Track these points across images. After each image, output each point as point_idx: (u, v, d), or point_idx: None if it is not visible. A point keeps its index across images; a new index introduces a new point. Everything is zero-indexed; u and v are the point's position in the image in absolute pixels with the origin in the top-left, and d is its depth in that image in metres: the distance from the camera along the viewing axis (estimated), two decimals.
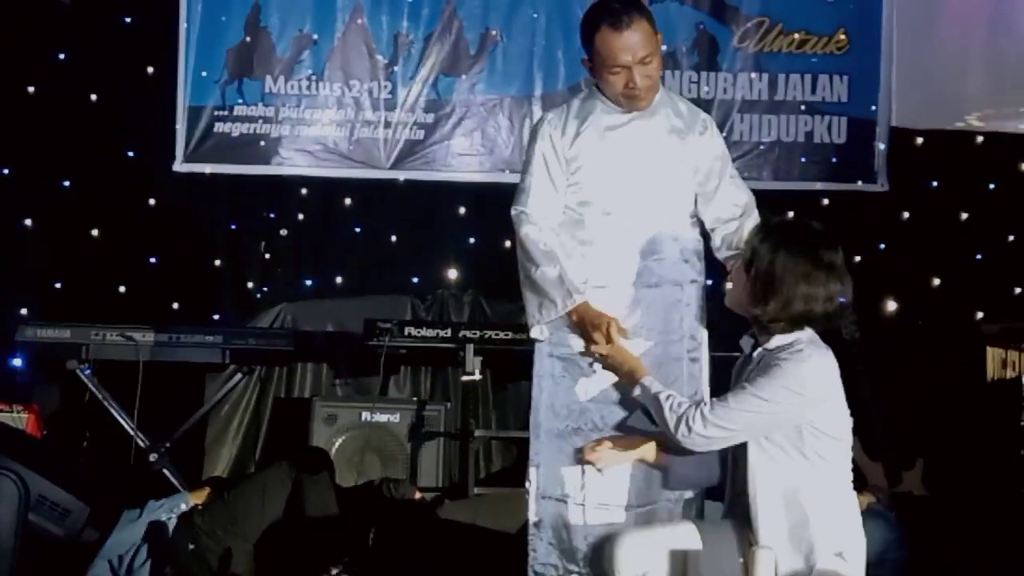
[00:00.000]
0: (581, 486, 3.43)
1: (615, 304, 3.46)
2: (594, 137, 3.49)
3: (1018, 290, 6.21)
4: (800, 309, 3.07)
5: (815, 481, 3.09)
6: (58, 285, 5.92)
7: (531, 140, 3.57)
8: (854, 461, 5.41)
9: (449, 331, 5.38)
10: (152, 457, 5.24)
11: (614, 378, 3.44)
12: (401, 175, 6.10)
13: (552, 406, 3.50)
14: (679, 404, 3.12)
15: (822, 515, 3.08)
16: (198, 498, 4.32)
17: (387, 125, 6.08)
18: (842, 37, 6.19)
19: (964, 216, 6.26)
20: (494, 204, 6.06)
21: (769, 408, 3.03)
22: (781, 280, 3.06)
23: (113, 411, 5.28)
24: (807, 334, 3.15)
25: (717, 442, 3.10)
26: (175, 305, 5.92)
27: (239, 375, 5.56)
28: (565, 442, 3.47)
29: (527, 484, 3.54)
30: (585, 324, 3.41)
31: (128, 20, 6.04)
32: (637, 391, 3.27)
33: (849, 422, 3.22)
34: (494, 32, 6.12)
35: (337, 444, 5.34)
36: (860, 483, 5.44)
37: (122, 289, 5.95)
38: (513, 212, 3.53)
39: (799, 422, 3.07)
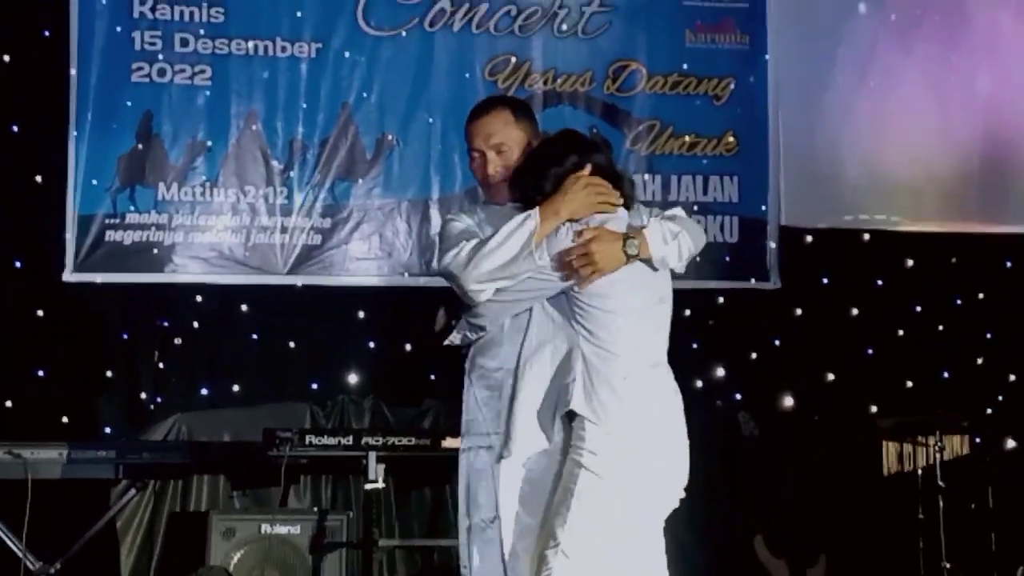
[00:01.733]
0: None
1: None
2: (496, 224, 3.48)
3: (910, 384, 6.36)
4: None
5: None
6: None
7: (441, 232, 3.51)
8: (760, 561, 5.48)
9: (351, 439, 5.29)
10: None
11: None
12: (299, 280, 6.04)
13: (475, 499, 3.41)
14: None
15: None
16: None
17: (284, 230, 6.03)
18: (731, 139, 6.35)
19: (855, 311, 6.42)
20: (393, 308, 6.11)
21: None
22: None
23: (0, 532, 5.07)
24: None
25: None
26: (64, 419, 5.74)
27: (132, 491, 5.40)
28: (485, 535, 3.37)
29: None
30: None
31: (15, 129, 5.93)
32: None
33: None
34: (390, 137, 6.15)
35: (236, 559, 5.21)
36: None
37: (8, 404, 5.76)
38: (446, 264, 3.35)
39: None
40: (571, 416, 3.20)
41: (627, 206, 3.40)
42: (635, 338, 3.28)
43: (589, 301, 3.24)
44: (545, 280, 3.26)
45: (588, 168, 3.35)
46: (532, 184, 3.34)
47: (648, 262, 3.31)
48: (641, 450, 3.19)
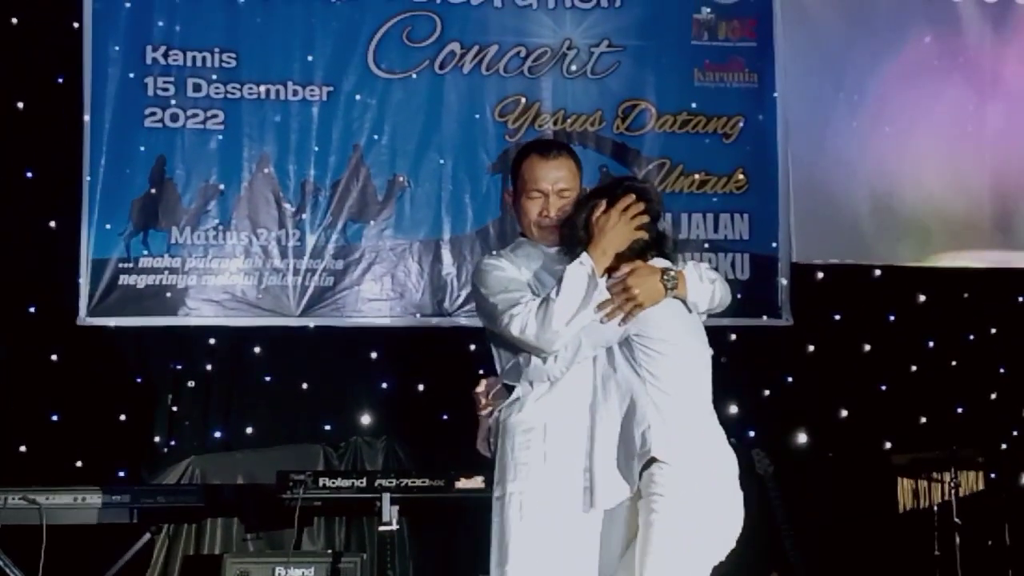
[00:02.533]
0: None
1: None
2: (535, 270, 3.51)
3: (924, 419, 6.34)
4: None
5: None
6: None
7: (481, 279, 3.51)
8: None
9: (364, 481, 5.28)
10: None
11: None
12: (311, 322, 6.06)
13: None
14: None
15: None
16: None
17: (296, 272, 6.06)
18: (741, 177, 6.37)
19: (867, 347, 6.41)
20: (406, 348, 6.11)
21: None
22: None
23: None
24: None
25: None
26: (79, 463, 5.75)
27: (147, 535, 5.39)
28: None
29: None
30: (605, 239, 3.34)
31: (30, 175, 5.97)
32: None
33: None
34: (401, 178, 6.18)
35: None
36: None
37: (23, 448, 5.77)
38: (519, 334, 3.34)
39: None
40: (646, 464, 3.22)
41: (666, 254, 3.44)
42: (697, 382, 3.33)
43: (653, 345, 3.28)
44: (598, 328, 3.28)
45: (603, 203, 3.38)
46: (571, 230, 3.40)
47: (684, 304, 3.34)
48: (711, 492, 3.22)
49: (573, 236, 3.40)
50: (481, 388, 3.52)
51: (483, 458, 5.18)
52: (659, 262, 3.40)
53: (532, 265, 3.48)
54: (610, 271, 3.35)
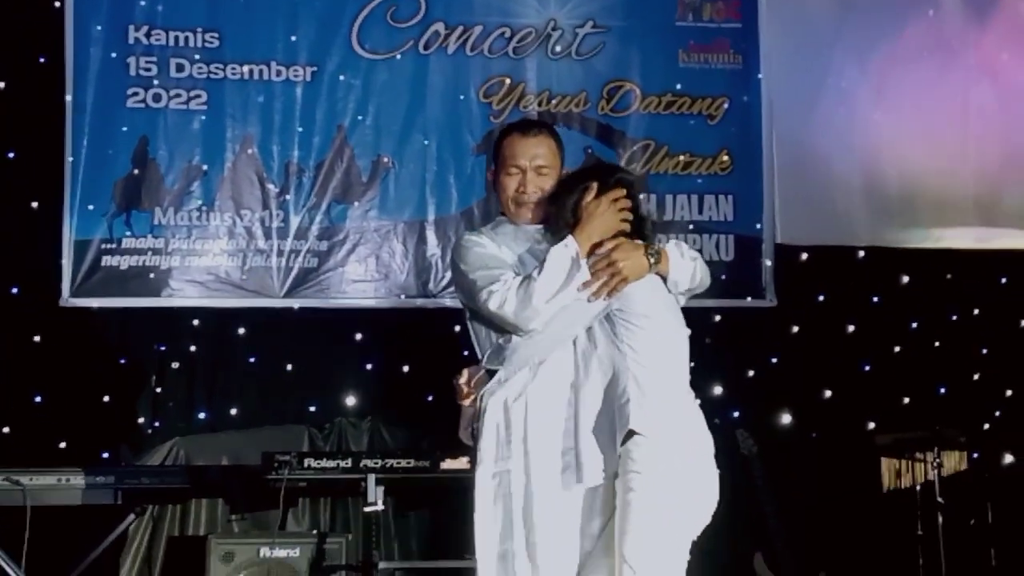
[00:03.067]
0: None
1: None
2: (515, 249, 3.51)
3: (907, 400, 6.37)
4: None
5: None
6: None
7: (461, 255, 3.50)
8: None
9: (350, 461, 5.28)
10: None
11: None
12: (295, 303, 6.04)
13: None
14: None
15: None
16: None
17: (280, 253, 6.04)
18: (725, 158, 6.38)
19: (851, 328, 6.43)
20: (390, 330, 6.11)
21: None
22: None
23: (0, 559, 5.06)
24: None
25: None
26: (62, 444, 5.73)
27: (132, 516, 5.38)
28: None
29: None
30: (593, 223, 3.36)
31: (11, 155, 5.93)
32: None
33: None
34: (386, 159, 6.16)
35: None
36: None
37: (6, 430, 5.75)
38: (497, 310, 3.34)
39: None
40: (626, 437, 3.23)
41: (646, 239, 3.45)
42: (677, 358, 3.34)
43: (634, 320, 3.29)
44: (580, 307, 3.30)
45: (594, 187, 3.39)
46: (558, 211, 3.41)
47: (663, 281, 3.36)
48: (688, 467, 3.23)
49: (560, 217, 3.41)
50: (463, 378, 3.51)
51: None
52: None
53: (511, 243, 3.48)
54: (592, 249, 3.37)
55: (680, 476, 3.20)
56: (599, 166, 3.63)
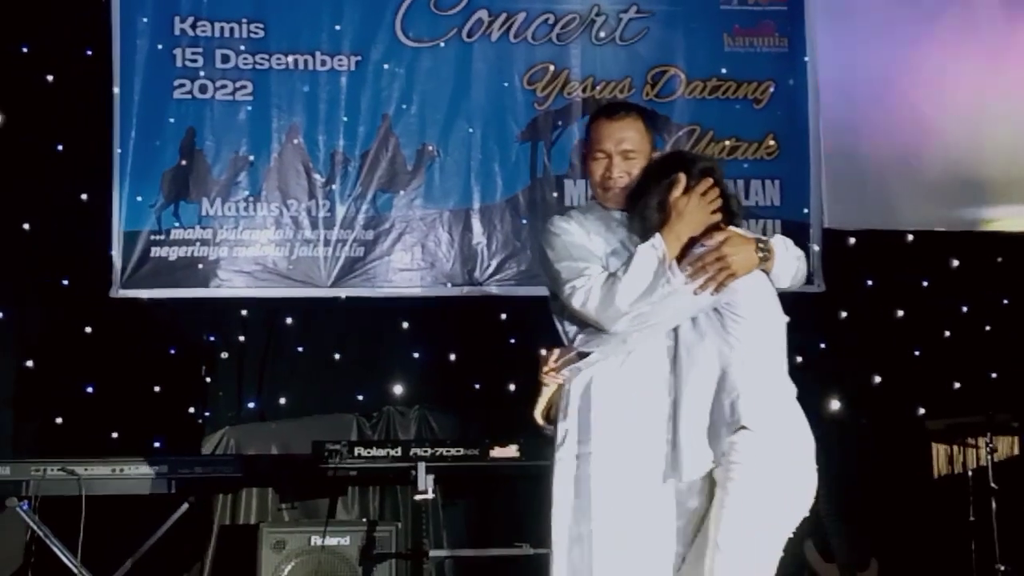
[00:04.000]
0: None
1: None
2: (603, 234, 3.48)
3: (957, 385, 6.31)
4: None
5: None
6: None
7: (548, 241, 3.49)
8: (810, 565, 5.44)
9: (400, 450, 5.29)
10: None
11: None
12: (342, 292, 6.06)
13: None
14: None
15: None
16: None
17: (326, 243, 6.06)
18: (771, 143, 6.33)
19: (900, 313, 6.37)
20: (437, 318, 6.12)
21: None
22: None
23: (55, 548, 5.11)
24: None
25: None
26: (115, 434, 5.78)
27: (185, 504, 5.43)
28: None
29: None
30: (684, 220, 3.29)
31: (60, 148, 5.98)
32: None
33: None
34: (431, 148, 6.16)
35: (286, 571, 5.22)
36: None
37: (59, 420, 5.81)
38: (580, 307, 3.33)
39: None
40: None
41: (735, 223, 3.40)
42: (781, 351, 3.31)
43: (742, 313, 3.24)
44: (685, 299, 3.25)
45: (683, 179, 3.31)
46: (644, 205, 3.35)
47: (766, 275, 3.32)
48: (789, 462, 3.20)
49: (646, 212, 3.34)
50: (555, 355, 3.44)
51: (516, 426, 5.24)
52: (738, 231, 3.35)
53: (601, 229, 3.44)
54: (689, 244, 3.28)
55: (780, 471, 3.17)
56: (681, 156, 3.52)
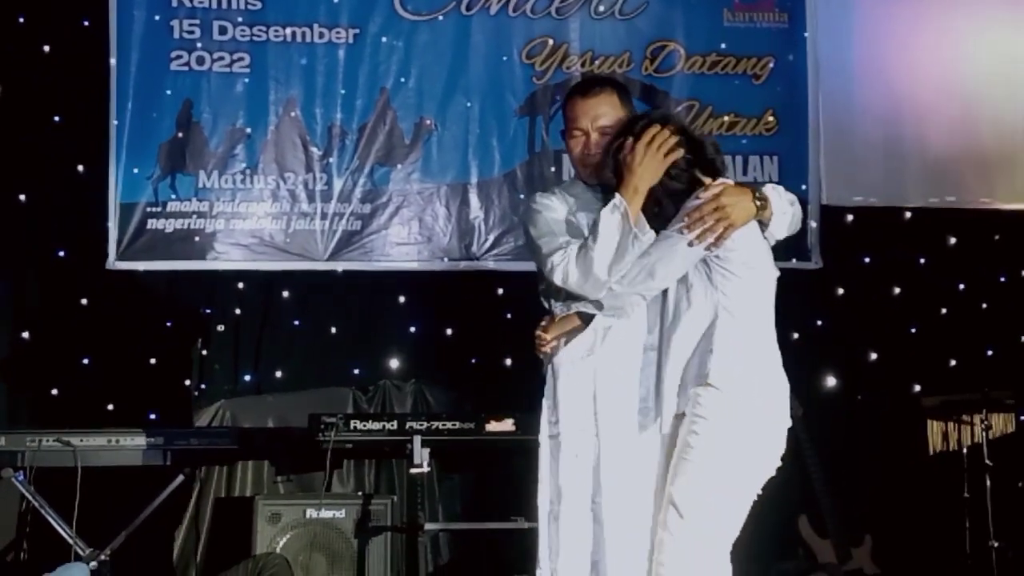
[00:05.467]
0: None
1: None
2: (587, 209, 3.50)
3: (953, 362, 6.31)
4: None
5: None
6: None
7: (530, 218, 3.52)
8: (804, 541, 5.46)
9: (395, 423, 5.30)
10: (92, 565, 5.07)
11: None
12: (339, 266, 6.05)
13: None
14: None
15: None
16: None
17: (323, 216, 6.04)
18: (771, 119, 6.31)
19: (897, 290, 6.37)
20: (434, 292, 6.11)
21: None
22: None
23: (51, 519, 5.11)
24: None
25: None
26: (110, 406, 5.79)
27: (180, 476, 5.43)
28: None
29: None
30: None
31: (57, 119, 5.96)
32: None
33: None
34: (428, 121, 6.14)
35: (282, 543, 5.24)
36: (811, 562, 5.50)
37: (55, 392, 5.81)
38: (549, 273, 3.39)
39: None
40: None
41: (716, 173, 3.36)
42: (767, 305, 3.30)
43: (733, 268, 3.22)
44: (681, 254, 3.22)
45: (629, 141, 3.33)
46: (605, 174, 3.38)
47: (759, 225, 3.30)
48: (755, 419, 3.19)
49: (606, 181, 3.38)
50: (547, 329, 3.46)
51: (512, 401, 5.25)
52: (724, 182, 3.31)
53: (584, 205, 3.47)
54: (687, 195, 3.28)
55: (744, 431, 3.16)
56: (628, 119, 3.53)
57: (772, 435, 3.23)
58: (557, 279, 3.33)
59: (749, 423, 3.17)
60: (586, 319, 3.37)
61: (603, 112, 3.48)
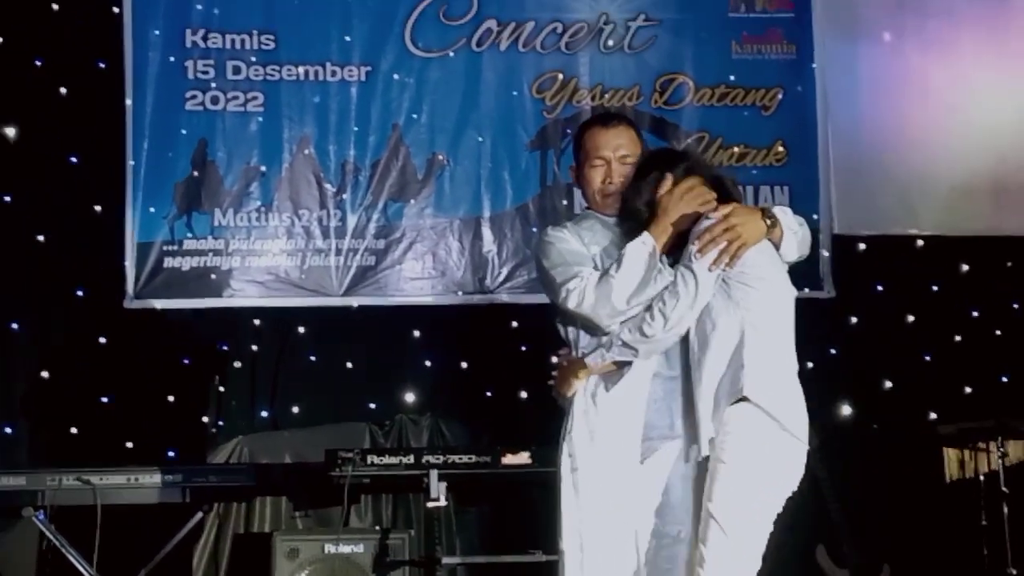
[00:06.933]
0: None
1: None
2: (600, 243, 3.53)
3: (968, 389, 6.31)
4: None
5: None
6: (8, 430, 5.81)
7: (543, 251, 3.55)
8: (823, 570, 5.44)
9: (412, 458, 5.32)
10: None
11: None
12: (354, 301, 6.09)
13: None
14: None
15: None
16: None
17: (338, 252, 6.09)
18: (780, 149, 6.35)
19: (911, 318, 6.38)
20: (448, 326, 6.14)
21: None
22: None
23: (71, 558, 5.14)
24: None
25: None
26: (129, 444, 5.81)
27: (199, 513, 5.46)
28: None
29: None
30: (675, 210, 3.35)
31: (74, 160, 6.02)
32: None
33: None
34: (440, 157, 6.19)
35: None
36: None
37: (74, 430, 5.84)
38: (563, 300, 3.41)
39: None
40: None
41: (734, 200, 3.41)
42: (787, 321, 3.32)
43: (750, 283, 3.25)
44: (704, 280, 3.25)
45: (669, 179, 3.37)
46: (632, 202, 3.40)
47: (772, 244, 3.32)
48: (783, 435, 3.20)
49: (634, 211, 3.39)
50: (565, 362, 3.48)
51: (528, 434, 5.27)
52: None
53: (596, 237, 3.50)
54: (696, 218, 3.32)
55: (777, 441, 3.18)
56: (665, 153, 3.58)
57: (797, 449, 3.25)
58: (571, 304, 3.36)
59: (779, 436, 3.19)
60: (621, 364, 3.39)
61: (623, 143, 3.54)
